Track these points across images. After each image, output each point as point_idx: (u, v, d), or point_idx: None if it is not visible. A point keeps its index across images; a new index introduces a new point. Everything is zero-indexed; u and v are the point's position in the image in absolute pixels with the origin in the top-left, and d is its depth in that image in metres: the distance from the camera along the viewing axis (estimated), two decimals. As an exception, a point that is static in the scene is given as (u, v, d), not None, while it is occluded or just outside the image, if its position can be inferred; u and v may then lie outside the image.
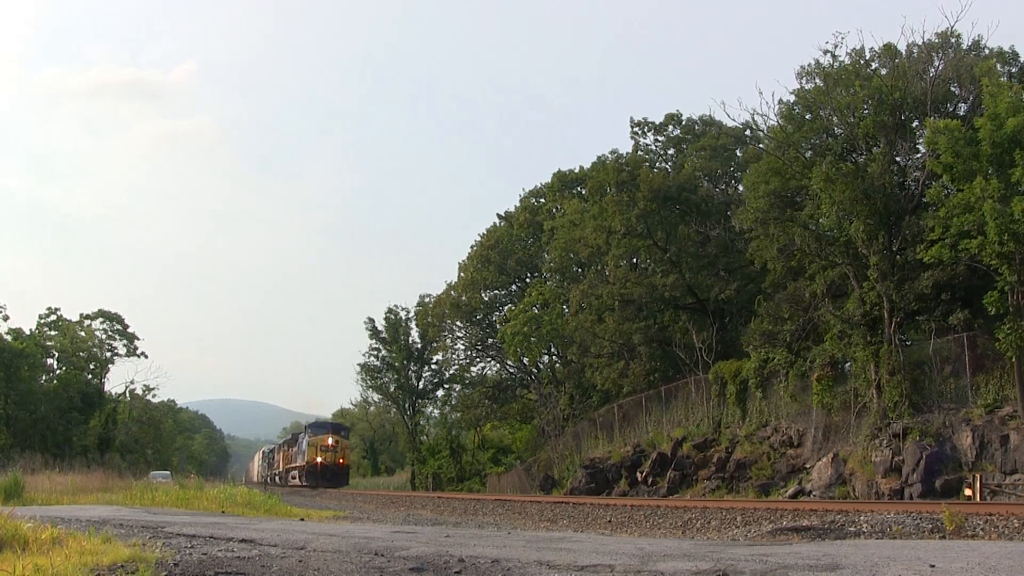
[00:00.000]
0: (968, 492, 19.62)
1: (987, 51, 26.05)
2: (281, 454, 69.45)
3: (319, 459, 53.88)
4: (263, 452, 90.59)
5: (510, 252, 52.74)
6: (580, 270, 45.57)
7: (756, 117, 30.93)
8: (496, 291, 54.76)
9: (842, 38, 26.62)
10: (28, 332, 63.57)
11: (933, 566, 5.98)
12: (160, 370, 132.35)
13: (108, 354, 69.44)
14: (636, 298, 36.96)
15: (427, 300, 59.65)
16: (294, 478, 59.21)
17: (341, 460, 55.74)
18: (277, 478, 69.04)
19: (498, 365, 56.04)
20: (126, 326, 70.50)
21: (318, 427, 59.42)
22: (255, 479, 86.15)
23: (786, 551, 7.38)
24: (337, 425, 64.31)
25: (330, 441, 55.08)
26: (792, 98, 27.36)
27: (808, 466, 25.38)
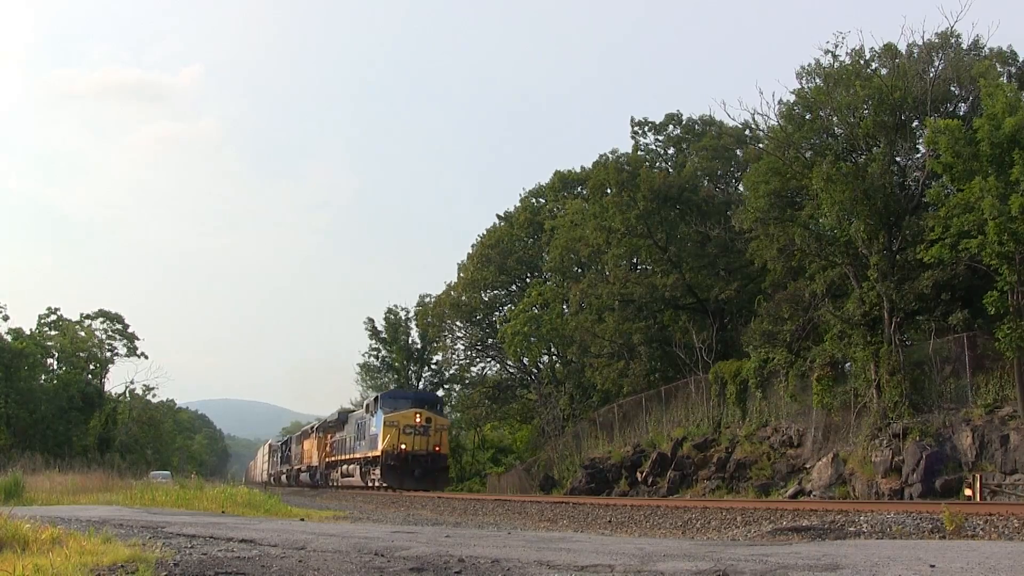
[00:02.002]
0: (968, 492, 19.62)
1: (987, 51, 26.07)
2: (314, 443, 52.78)
3: (403, 445, 36.06)
4: (270, 446, 78.93)
5: (510, 252, 52.76)
6: (580, 270, 45.58)
7: (756, 117, 31.07)
8: (496, 291, 54.77)
9: (842, 38, 26.68)
10: (28, 332, 63.61)
11: (933, 566, 5.98)
12: (160, 370, 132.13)
13: (108, 354, 69.46)
14: (636, 298, 36.97)
15: (427, 300, 59.75)
16: (350, 475, 42.59)
17: (437, 447, 37.00)
18: (306, 475, 55.00)
19: (498, 365, 56.06)
20: (126, 326, 70.55)
21: (396, 398, 39.82)
22: (259, 478, 78.80)
23: (786, 551, 7.38)
24: (426, 395, 44.83)
25: (419, 419, 36.83)
26: (792, 98, 27.39)
27: (808, 466, 25.38)
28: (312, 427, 57.03)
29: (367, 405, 41.49)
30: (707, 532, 13.20)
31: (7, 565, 6.47)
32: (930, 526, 10.60)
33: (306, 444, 56.42)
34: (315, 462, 51.88)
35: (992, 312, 20.66)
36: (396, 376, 63.98)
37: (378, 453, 36.83)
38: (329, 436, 49.12)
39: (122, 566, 6.88)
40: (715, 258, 36.46)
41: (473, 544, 8.45)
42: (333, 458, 46.98)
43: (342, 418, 47.16)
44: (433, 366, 63.85)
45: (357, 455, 41.18)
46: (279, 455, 69.33)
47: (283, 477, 65.33)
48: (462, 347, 56.57)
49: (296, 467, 59.65)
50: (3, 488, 21.55)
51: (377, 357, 64.65)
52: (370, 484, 38.80)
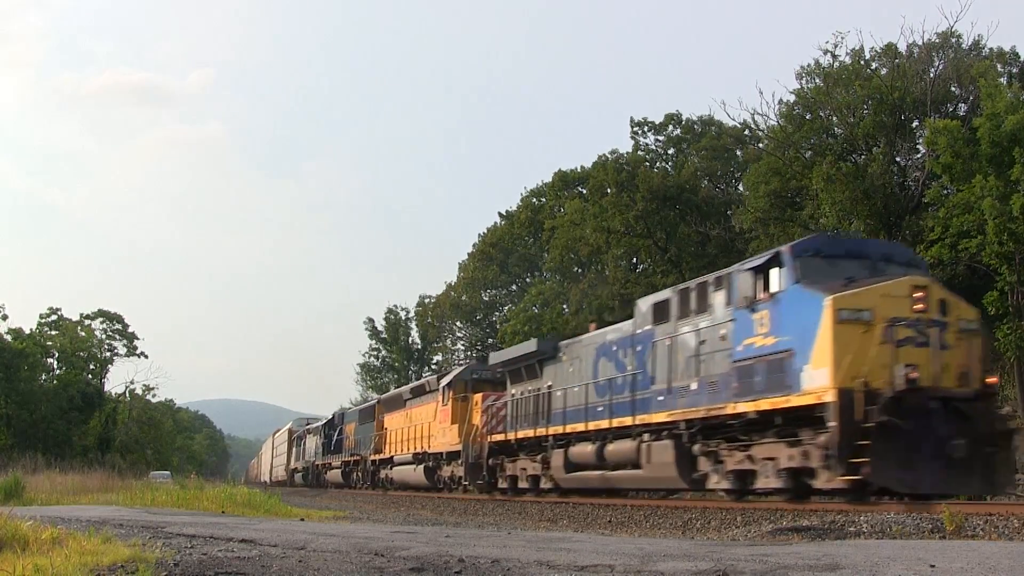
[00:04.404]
0: (968, 492, 19.60)
1: (987, 51, 26.11)
2: (437, 413, 28.67)
3: (910, 371, 11.54)
4: (290, 431, 57.37)
5: (511, 251, 52.79)
6: (580, 270, 45.59)
7: (756, 117, 31.02)
8: (496, 291, 54.83)
9: (842, 38, 26.71)
10: (28, 332, 63.68)
11: (933, 566, 5.98)
12: (160, 370, 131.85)
13: (108, 354, 69.52)
14: (636, 298, 37.00)
15: (427, 300, 59.83)
16: (630, 461, 17.79)
17: (986, 378, 12.93)
18: (406, 467, 32.06)
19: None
20: (126, 326, 70.59)
21: (833, 258, 13.28)
22: (265, 478, 67.49)
23: (786, 551, 7.38)
24: (898, 249, 15.70)
25: (920, 300, 12.19)
26: (792, 98, 27.45)
27: (808, 466, 25.32)
28: (425, 383, 32.19)
29: (708, 287, 15.54)
30: (707, 532, 13.19)
31: (7, 565, 6.47)
32: (930, 526, 10.60)
33: (397, 418, 33.96)
34: (446, 445, 27.73)
35: (992, 312, 20.69)
36: (396, 376, 64.10)
37: (813, 398, 12.56)
38: (484, 397, 25.40)
39: (122, 566, 6.88)
40: (715, 258, 36.45)
41: (473, 544, 8.45)
42: (514, 435, 23.02)
43: (547, 350, 21.90)
44: (433, 366, 63.98)
45: (656, 416, 16.77)
46: (310, 444, 49.67)
47: (332, 472, 43.77)
48: (462, 347, 56.66)
49: (371, 457, 36.57)
50: (3, 488, 21.55)
51: (377, 357, 64.77)
52: (756, 485, 15.01)
